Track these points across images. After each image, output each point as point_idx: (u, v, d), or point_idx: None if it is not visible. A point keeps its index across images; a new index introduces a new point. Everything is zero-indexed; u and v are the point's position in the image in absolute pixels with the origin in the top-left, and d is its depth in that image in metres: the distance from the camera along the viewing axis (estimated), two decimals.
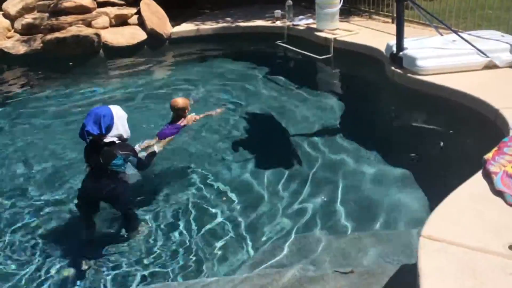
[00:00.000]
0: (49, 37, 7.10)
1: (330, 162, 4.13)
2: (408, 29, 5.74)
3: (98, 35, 7.21)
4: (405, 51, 5.04)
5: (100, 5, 7.82)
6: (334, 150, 4.31)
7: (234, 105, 5.43)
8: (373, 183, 3.76)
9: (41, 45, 7.15)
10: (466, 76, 4.66)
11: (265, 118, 5.15)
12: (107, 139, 3.17)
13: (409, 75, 4.90)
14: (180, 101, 4.51)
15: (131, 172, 3.48)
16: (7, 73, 7.19)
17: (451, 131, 4.22)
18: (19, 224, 3.55)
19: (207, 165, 4.21)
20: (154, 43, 7.66)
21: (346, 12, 7.89)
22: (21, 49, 7.25)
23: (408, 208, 3.39)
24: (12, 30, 7.67)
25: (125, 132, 3.27)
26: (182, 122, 4.44)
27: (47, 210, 3.69)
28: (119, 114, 3.24)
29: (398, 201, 3.48)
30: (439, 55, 4.88)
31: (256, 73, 6.44)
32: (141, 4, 7.87)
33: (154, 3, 8.06)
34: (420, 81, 4.78)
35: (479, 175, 2.73)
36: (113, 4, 7.90)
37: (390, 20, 7.30)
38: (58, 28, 7.22)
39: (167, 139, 4.30)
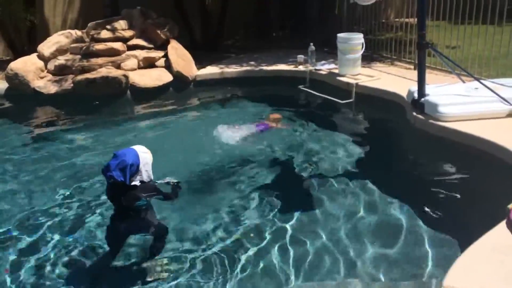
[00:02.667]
0: (79, 77, 7.38)
1: (348, 206, 4.10)
2: (430, 75, 5.79)
3: (126, 76, 7.46)
4: (426, 97, 5.06)
5: (130, 48, 8.13)
6: (352, 194, 4.29)
7: (256, 146, 5.48)
8: (391, 230, 3.70)
9: (72, 85, 7.43)
10: (489, 123, 4.64)
11: (286, 160, 5.17)
12: (130, 182, 3.21)
13: (431, 121, 4.91)
14: (277, 115, 6.19)
15: None
16: (38, 111, 7.45)
17: (474, 179, 4.16)
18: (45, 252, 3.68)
19: (223, 199, 4.27)
20: (180, 85, 7.87)
21: (368, 58, 8.00)
22: (52, 88, 7.53)
23: (429, 258, 3.32)
24: (45, 71, 8.00)
25: (148, 177, 3.31)
26: (270, 124, 5.86)
27: (75, 246, 3.77)
28: (145, 161, 3.26)
29: (419, 250, 3.41)
30: (461, 102, 4.88)
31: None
32: (169, 47, 8.15)
33: (181, 46, 8.35)
34: (442, 127, 4.77)
35: (502, 224, 2.67)
36: (142, 48, 8.20)
37: (412, 67, 7.36)
38: (89, 70, 7.51)
39: (257, 129, 5.78)
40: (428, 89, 5.19)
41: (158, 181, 3.47)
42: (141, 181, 3.26)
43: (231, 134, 5.64)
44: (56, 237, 3.88)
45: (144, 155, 3.28)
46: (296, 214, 4.01)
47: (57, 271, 3.49)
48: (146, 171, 3.27)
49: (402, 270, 3.22)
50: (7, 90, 7.77)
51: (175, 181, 3.56)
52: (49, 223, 4.08)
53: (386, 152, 5.18)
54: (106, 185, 3.31)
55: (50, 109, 7.40)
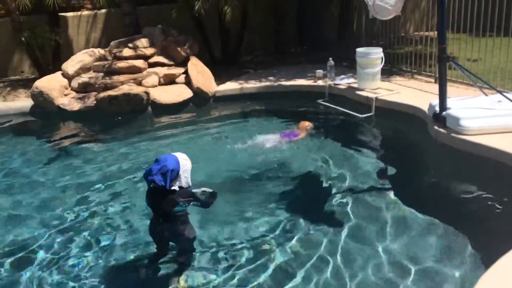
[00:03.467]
0: (102, 95, 7.54)
1: (368, 222, 4.05)
2: (451, 88, 5.74)
3: (147, 93, 7.59)
4: (448, 111, 5.02)
5: (151, 65, 8.29)
6: (372, 209, 4.25)
7: (274, 160, 5.48)
8: (414, 246, 3.64)
9: (95, 102, 7.59)
10: None
11: (304, 175, 5.16)
12: (170, 187, 3.34)
13: (453, 134, 4.85)
14: (306, 123, 6.31)
15: None
16: (62, 127, 7.65)
17: (498, 193, 4.08)
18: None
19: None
20: (199, 101, 7.96)
21: (388, 72, 7.97)
22: (76, 105, 7.71)
23: (453, 274, 3.25)
24: (69, 88, 8.20)
25: (187, 183, 3.44)
26: (300, 134, 6.01)
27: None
28: (185, 167, 3.40)
29: (443, 267, 3.35)
30: (484, 115, 4.82)
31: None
32: (189, 64, 8.27)
33: (201, 63, 8.46)
34: (465, 141, 4.71)
35: None
36: (163, 65, 8.35)
37: (432, 80, 7.31)
38: (111, 87, 7.67)
39: (286, 139, 5.90)
40: (450, 102, 5.14)
41: (195, 191, 3.58)
42: (180, 187, 3.37)
43: (260, 142, 5.87)
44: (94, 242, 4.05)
45: (184, 161, 3.41)
46: (313, 228, 4.00)
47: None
48: (186, 177, 3.41)
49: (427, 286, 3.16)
50: (32, 108, 7.99)
51: (210, 190, 3.66)
52: (79, 237, 4.18)
53: (407, 166, 5.11)
54: (146, 190, 3.45)
55: (74, 125, 7.56)
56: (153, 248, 3.75)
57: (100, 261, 3.80)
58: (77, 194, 4.99)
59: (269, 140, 5.92)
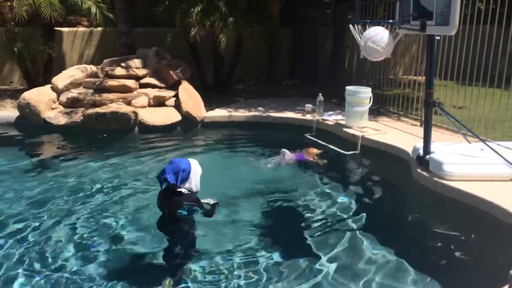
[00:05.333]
0: (90, 111, 7.51)
1: (347, 261, 4.01)
2: (436, 133, 5.83)
3: (135, 113, 7.58)
4: (431, 155, 5.08)
5: (142, 86, 8.31)
6: (350, 248, 4.21)
7: (256, 192, 5.45)
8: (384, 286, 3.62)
9: (81, 118, 7.54)
10: (493, 185, 4.63)
11: (285, 206, 5.14)
12: (179, 188, 3.60)
13: (435, 179, 4.90)
14: (314, 150, 6.55)
15: None
16: (45, 140, 7.54)
17: (476, 240, 4.10)
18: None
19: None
20: (188, 125, 7.97)
21: (375, 112, 8.10)
22: (62, 120, 7.65)
23: None
24: (57, 102, 8.15)
25: (195, 186, 3.71)
26: (307, 156, 6.29)
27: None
28: (195, 170, 3.69)
29: None
30: (466, 162, 4.89)
31: (265, 161, 6.48)
32: (180, 88, 8.31)
33: (192, 88, 8.51)
34: (446, 186, 4.76)
35: None
36: (154, 86, 8.38)
37: (418, 123, 7.43)
38: (100, 104, 7.65)
39: (293, 159, 6.17)
40: (434, 146, 5.22)
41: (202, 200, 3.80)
42: (189, 190, 3.64)
43: (267, 161, 6.24)
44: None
45: (195, 165, 3.72)
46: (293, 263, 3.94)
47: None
48: (195, 180, 3.69)
49: None
50: (17, 119, 7.91)
51: (215, 201, 3.94)
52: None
53: (388, 207, 5.13)
54: (159, 192, 3.73)
55: (57, 139, 7.48)
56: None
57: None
58: (43, 208, 4.89)
59: (279, 157, 6.24)
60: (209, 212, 3.84)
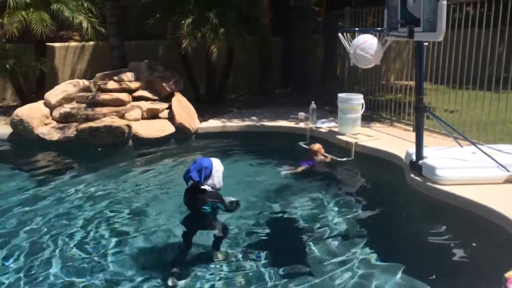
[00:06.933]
0: (83, 126, 7.50)
1: (332, 264, 4.01)
2: (428, 138, 5.86)
3: (129, 126, 7.57)
4: (424, 160, 5.11)
5: (135, 99, 8.31)
6: (343, 254, 4.20)
7: (251, 202, 5.46)
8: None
9: (75, 132, 7.53)
10: (486, 188, 4.65)
11: (279, 213, 5.16)
12: (203, 186, 3.88)
13: (428, 183, 4.92)
14: (316, 145, 6.69)
15: None
16: (39, 157, 7.49)
17: (469, 244, 4.11)
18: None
19: None
20: (181, 137, 7.97)
21: (368, 118, 8.13)
22: (55, 135, 7.63)
23: None
24: (50, 118, 8.13)
25: (218, 183, 3.98)
26: (316, 159, 6.49)
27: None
28: (217, 167, 3.98)
29: None
30: (459, 166, 4.92)
31: (276, 170, 6.58)
32: (173, 100, 8.32)
33: (185, 99, 8.53)
34: (439, 190, 4.78)
35: None
36: (147, 99, 8.38)
37: (411, 128, 7.46)
38: (93, 118, 7.63)
39: (302, 167, 6.37)
40: (426, 151, 5.25)
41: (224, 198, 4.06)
42: (212, 187, 3.91)
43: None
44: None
45: (217, 163, 4.01)
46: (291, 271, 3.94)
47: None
48: (218, 177, 3.96)
49: None
50: (10, 135, 7.89)
51: (236, 199, 4.21)
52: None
53: (382, 212, 5.13)
54: (185, 190, 3.99)
55: (51, 155, 7.43)
56: None
57: None
58: (38, 225, 4.87)
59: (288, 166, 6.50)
60: (230, 208, 4.14)
